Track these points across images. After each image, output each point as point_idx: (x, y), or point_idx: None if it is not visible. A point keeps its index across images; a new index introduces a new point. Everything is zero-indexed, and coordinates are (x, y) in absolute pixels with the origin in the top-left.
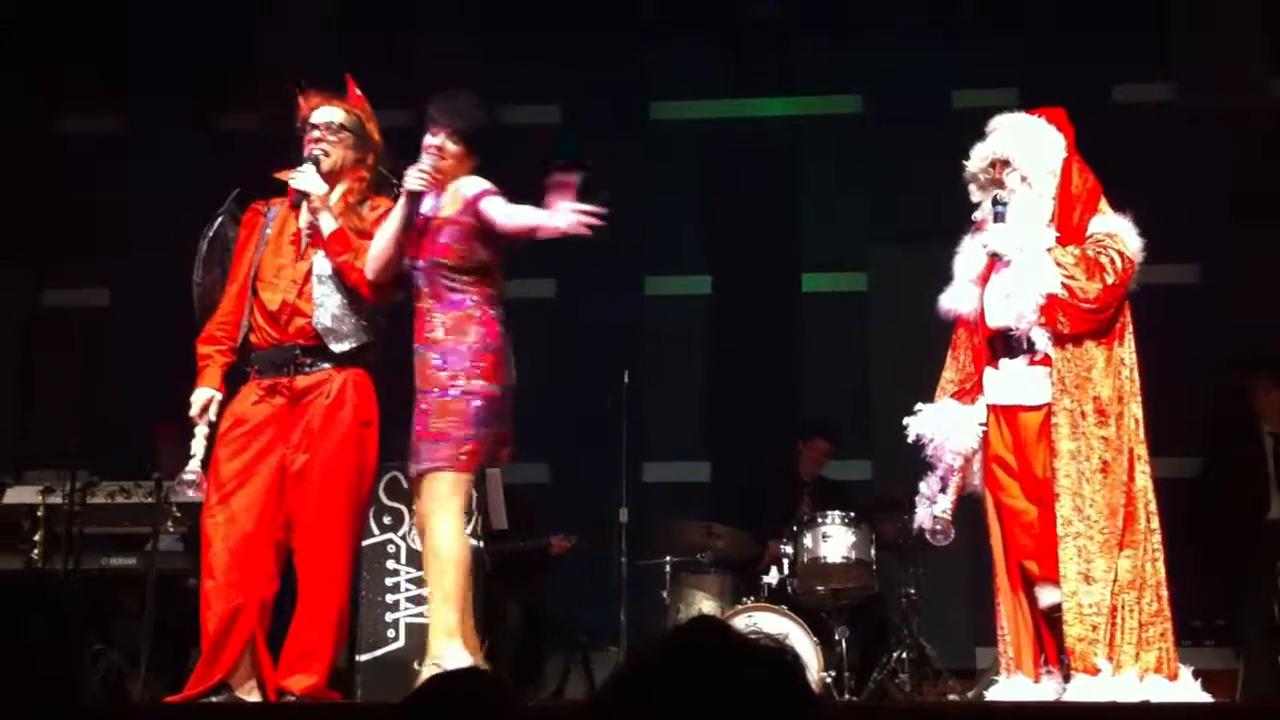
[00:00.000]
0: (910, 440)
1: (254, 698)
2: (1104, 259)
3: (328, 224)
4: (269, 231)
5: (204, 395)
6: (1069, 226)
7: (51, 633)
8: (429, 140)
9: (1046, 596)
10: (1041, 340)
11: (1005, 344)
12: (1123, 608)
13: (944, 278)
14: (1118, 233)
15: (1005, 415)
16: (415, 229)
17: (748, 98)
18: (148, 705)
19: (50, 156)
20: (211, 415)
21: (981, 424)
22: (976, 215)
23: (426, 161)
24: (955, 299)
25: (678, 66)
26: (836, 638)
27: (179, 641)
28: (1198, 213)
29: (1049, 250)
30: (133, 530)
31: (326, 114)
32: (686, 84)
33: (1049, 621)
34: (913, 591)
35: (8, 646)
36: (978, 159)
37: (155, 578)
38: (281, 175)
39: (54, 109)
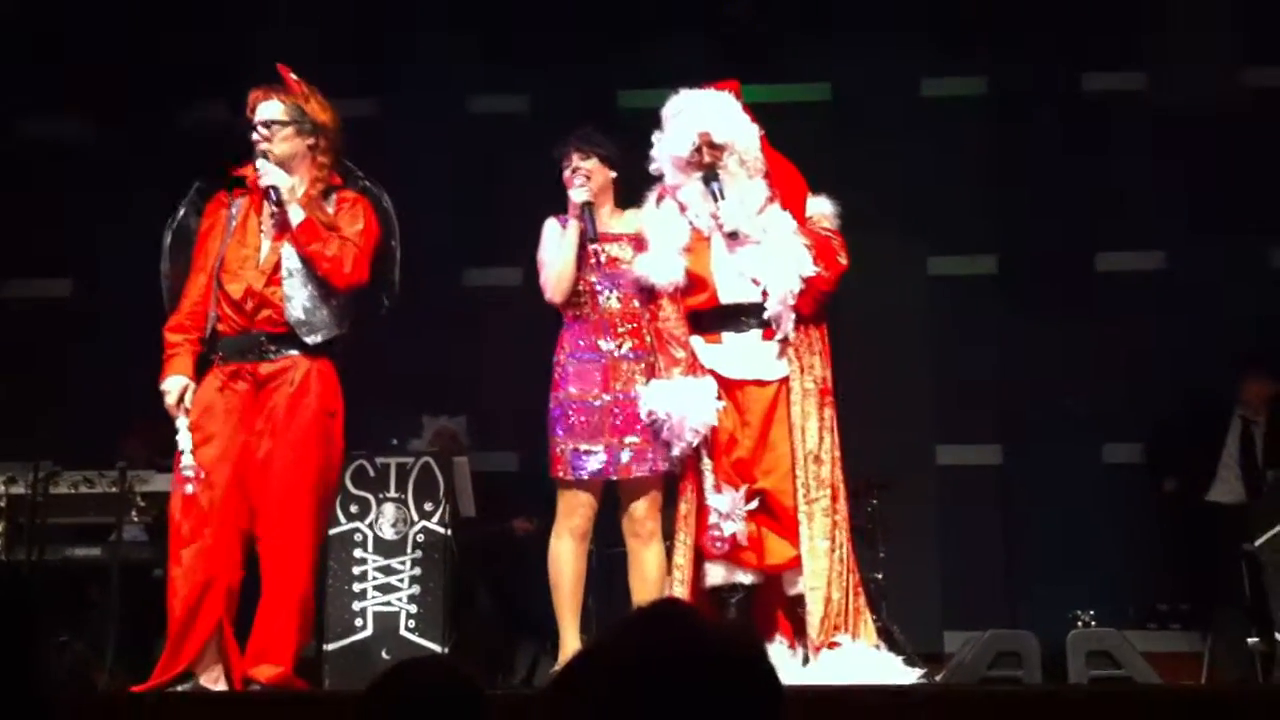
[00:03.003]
0: (645, 419)
1: (220, 686)
2: (834, 242)
3: (296, 215)
4: (234, 223)
5: (179, 383)
6: (793, 209)
7: (8, 621)
8: (572, 164)
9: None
10: (788, 320)
11: (728, 317)
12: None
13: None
14: (829, 213)
15: (734, 389)
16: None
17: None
18: (114, 695)
19: (11, 150)
20: (188, 403)
21: (719, 399)
22: (682, 195)
23: (580, 181)
24: (659, 269)
25: (647, 54)
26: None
27: (145, 632)
28: (1164, 200)
29: (795, 233)
30: (97, 520)
31: (264, 111)
32: (655, 72)
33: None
34: (879, 576)
35: None
36: (683, 141)
37: (120, 568)
38: (241, 172)
39: (16, 108)
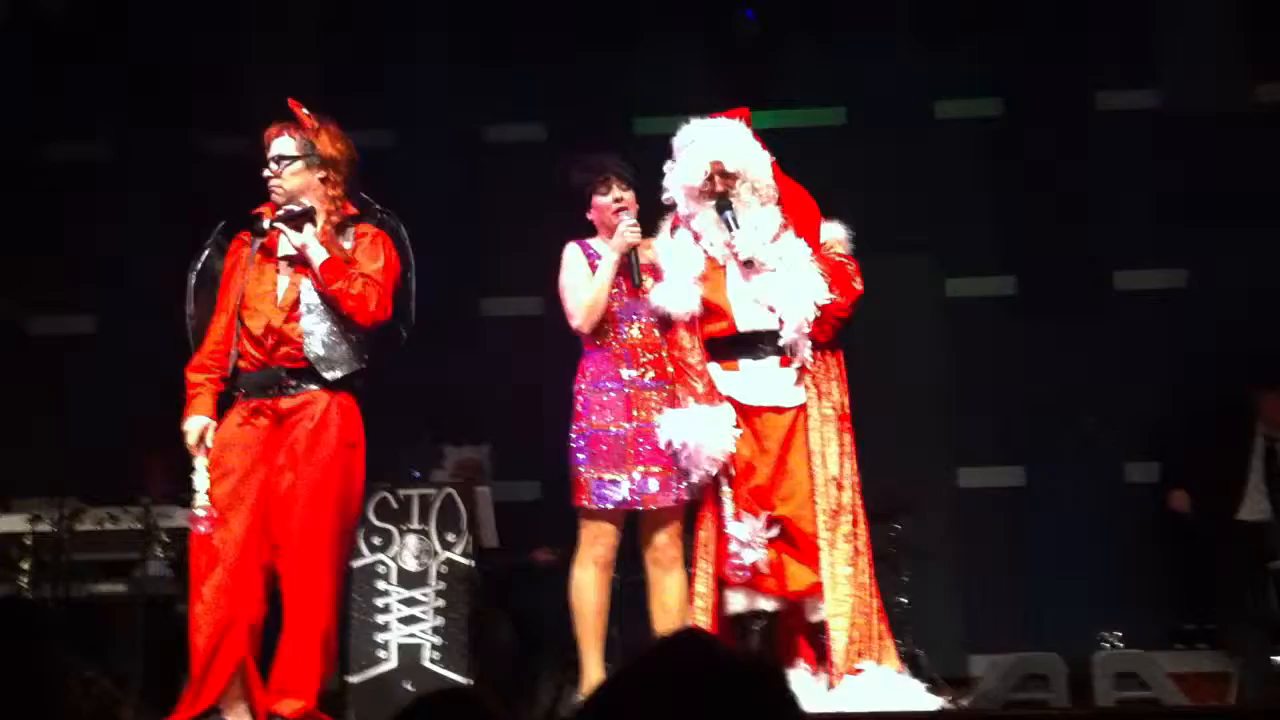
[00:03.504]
0: (663, 446)
1: None
2: (849, 268)
3: (318, 255)
4: (254, 259)
5: (199, 424)
6: (807, 236)
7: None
8: (615, 196)
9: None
10: (805, 348)
11: (745, 345)
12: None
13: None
14: (842, 238)
15: (751, 416)
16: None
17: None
18: None
19: (34, 184)
20: (208, 443)
21: (735, 426)
22: (696, 224)
23: (629, 218)
24: (675, 299)
25: (662, 80)
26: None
27: (170, 667)
28: (1184, 217)
29: (810, 260)
30: (121, 556)
31: (276, 147)
32: (671, 97)
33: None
34: (903, 600)
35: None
36: (696, 170)
37: (145, 603)
38: (259, 211)
39: (39, 136)
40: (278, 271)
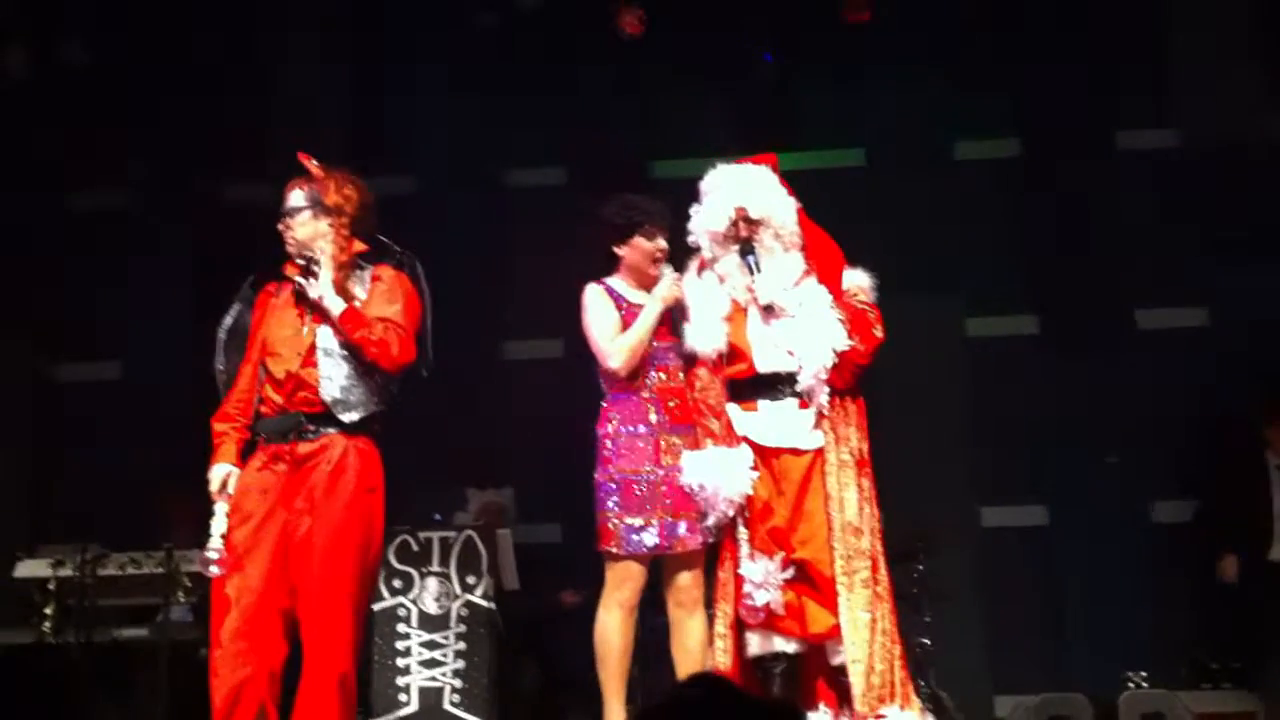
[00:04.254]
0: (682, 487)
1: None
2: (870, 315)
3: (336, 306)
4: (277, 312)
5: (222, 471)
6: (829, 282)
7: (59, 704)
8: (661, 245)
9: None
10: (822, 393)
11: (764, 386)
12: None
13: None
14: (865, 285)
15: (769, 457)
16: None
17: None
18: None
19: (59, 232)
20: (230, 490)
21: (752, 468)
22: (719, 267)
23: (670, 268)
24: (703, 338)
25: (681, 124)
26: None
27: (193, 712)
28: (1205, 256)
29: (831, 307)
30: (144, 601)
31: (289, 200)
32: (690, 142)
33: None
34: (927, 641)
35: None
36: (720, 216)
37: (168, 648)
38: (291, 273)
39: (62, 185)
40: (299, 317)
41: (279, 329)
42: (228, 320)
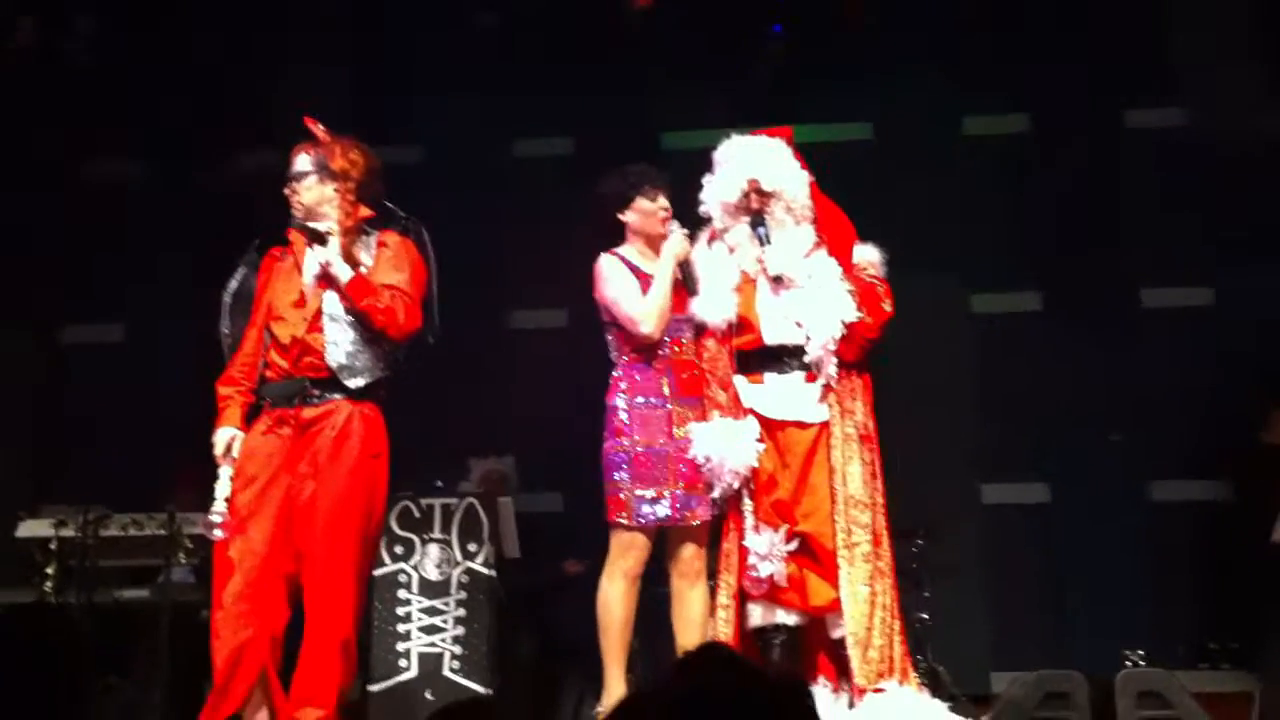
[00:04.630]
0: (693, 459)
1: None
2: (879, 289)
3: (344, 274)
4: (283, 276)
5: (226, 435)
6: (840, 256)
7: (59, 664)
8: (664, 204)
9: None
10: (830, 365)
11: (771, 359)
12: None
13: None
14: (875, 261)
15: (775, 429)
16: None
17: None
18: None
19: (62, 196)
20: (235, 453)
21: (759, 440)
22: (730, 238)
23: (678, 224)
24: (712, 308)
25: (690, 96)
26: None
27: (194, 673)
28: (1213, 235)
29: (840, 280)
30: (146, 562)
31: (295, 165)
32: (698, 114)
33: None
34: (926, 616)
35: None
36: (732, 187)
37: (169, 609)
38: (296, 237)
39: (71, 154)
40: (306, 282)
41: (284, 294)
42: (233, 284)
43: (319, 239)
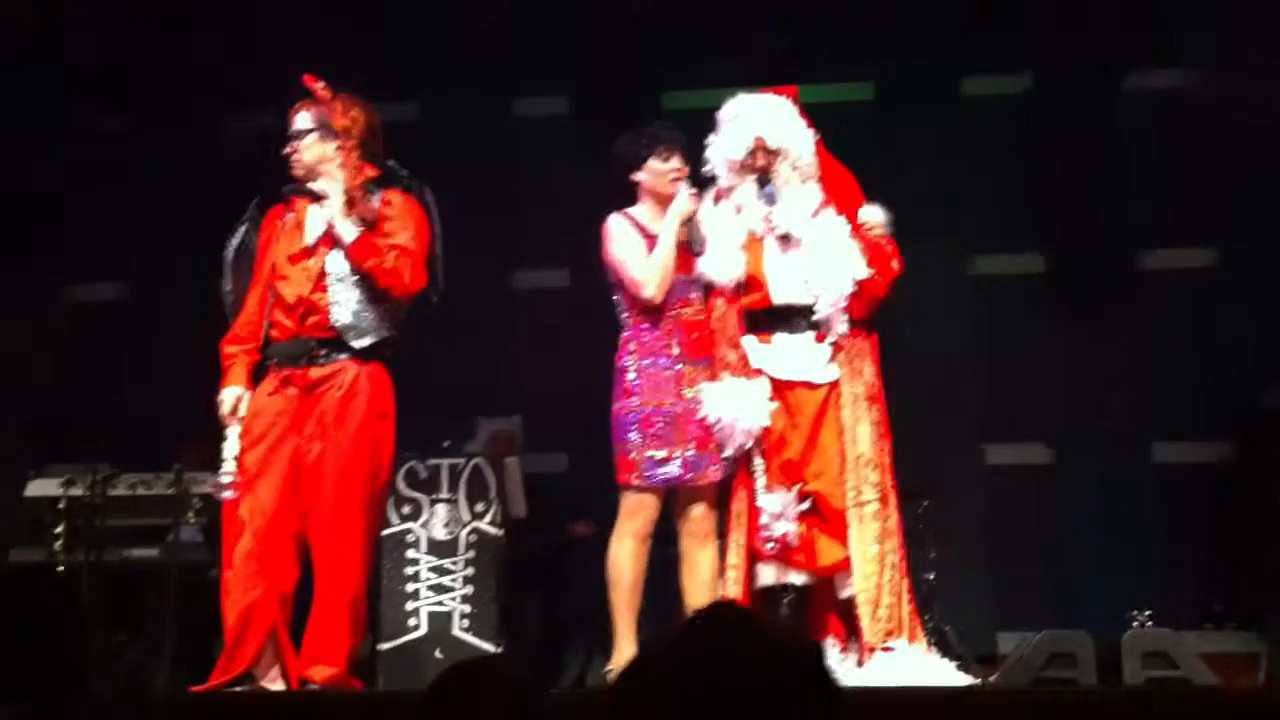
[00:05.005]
0: (703, 419)
1: (278, 687)
2: (887, 248)
3: (348, 233)
4: (288, 229)
5: (233, 394)
6: (847, 214)
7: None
8: (676, 165)
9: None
10: (840, 323)
11: (780, 318)
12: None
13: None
14: (881, 221)
15: (784, 389)
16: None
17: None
18: (172, 695)
19: (65, 153)
20: (241, 413)
21: (770, 400)
22: (736, 197)
23: (687, 184)
24: (720, 267)
25: (690, 56)
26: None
27: (203, 632)
28: (1215, 196)
29: (849, 238)
30: (154, 522)
31: (294, 123)
32: (699, 74)
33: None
34: (931, 577)
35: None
36: (738, 144)
37: (177, 569)
38: (288, 190)
39: (70, 105)
40: (309, 240)
41: (287, 253)
42: (234, 240)
43: (317, 199)
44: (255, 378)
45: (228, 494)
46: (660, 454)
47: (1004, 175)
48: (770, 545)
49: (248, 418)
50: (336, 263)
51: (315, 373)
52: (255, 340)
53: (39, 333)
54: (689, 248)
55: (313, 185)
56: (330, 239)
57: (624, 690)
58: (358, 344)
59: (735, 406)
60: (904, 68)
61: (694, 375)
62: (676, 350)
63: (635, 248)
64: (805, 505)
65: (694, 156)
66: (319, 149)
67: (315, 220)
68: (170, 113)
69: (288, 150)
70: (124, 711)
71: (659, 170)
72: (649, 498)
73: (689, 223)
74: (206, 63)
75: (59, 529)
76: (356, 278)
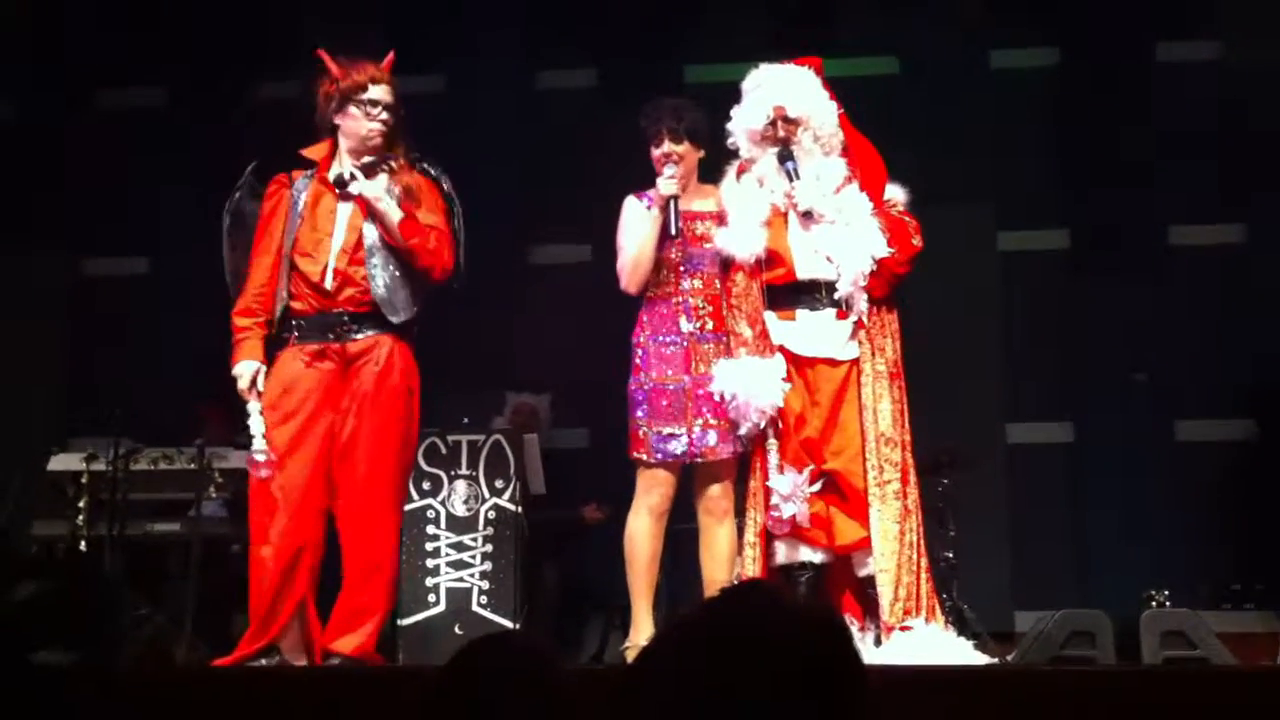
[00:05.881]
0: (715, 397)
1: (301, 661)
2: (909, 225)
3: (394, 213)
4: (301, 205)
5: (250, 368)
6: (871, 190)
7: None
8: (664, 150)
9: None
10: (861, 300)
11: (803, 294)
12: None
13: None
14: (900, 201)
15: (805, 367)
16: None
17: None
18: (193, 667)
19: (88, 127)
20: (259, 386)
21: (784, 378)
22: (758, 169)
23: (671, 169)
24: (740, 242)
25: (714, 28)
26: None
27: (223, 605)
28: (1243, 172)
29: (871, 214)
30: (176, 496)
31: (376, 92)
32: (723, 46)
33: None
34: (950, 555)
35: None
36: (759, 114)
37: (199, 542)
38: (309, 153)
39: (92, 81)
40: (334, 215)
41: (310, 229)
42: (230, 207)
43: (370, 171)
44: (268, 350)
45: (263, 473)
46: (667, 429)
47: (1029, 150)
48: (779, 526)
49: (276, 393)
50: (373, 237)
51: (353, 347)
52: (267, 313)
53: (62, 306)
54: (666, 230)
55: (372, 160)
56: (366, 212)
57: (645, 669)
58: (394, 319)
59: (750, 384)
60: (931, 41)
61: (703, 351)
62: (686, 326)
63: (629, 236)
64: (817, 486)
65: (717, 129)
66: (392, 122)
67: (347, 192)
68: (202, 83)
69: (382, 118)
70: (148, 678)
71: (654, 156)
72: (663, 473)
73: (666, 206)
74: (239, 34)
75: (82, 503)
76: (389, 254)
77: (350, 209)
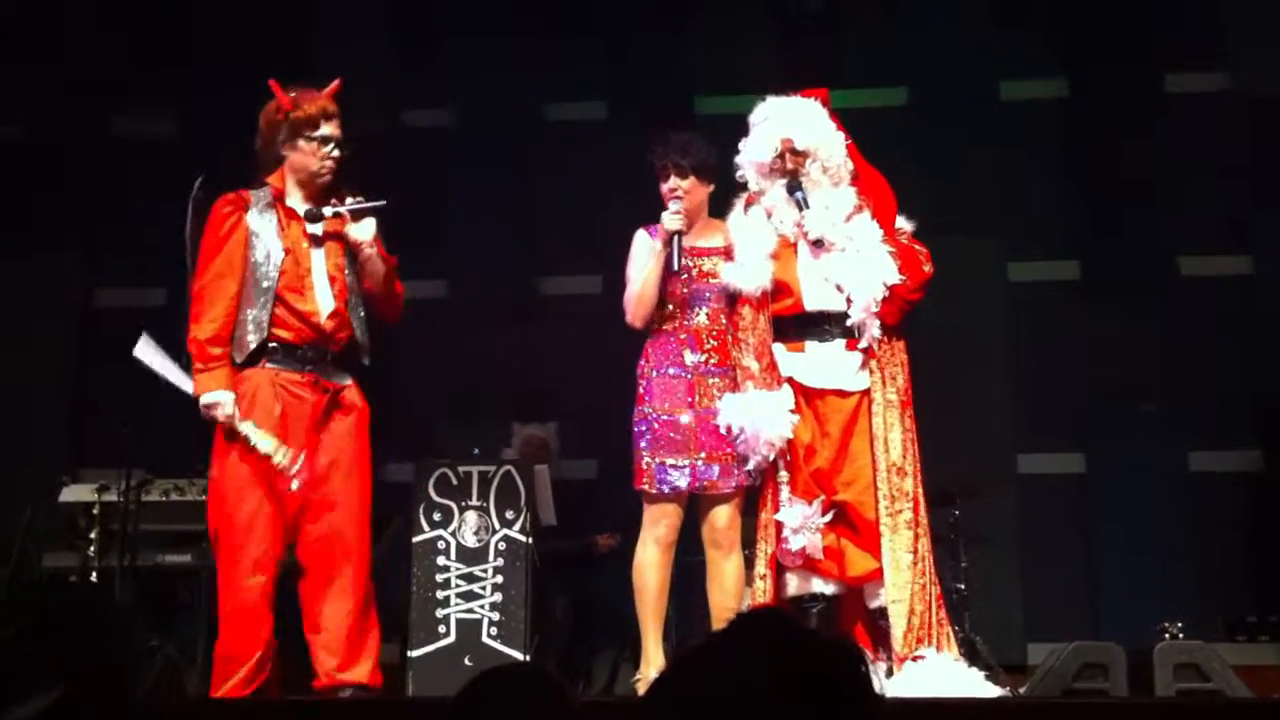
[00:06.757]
0: (721, 431)
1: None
2: (920, 253)
3: (382, 262)
4: (270, 233)
5: (230, 397)
6: (883, 220)
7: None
8: (668, 185)
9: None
10: (873, 327)
11: (812, 325)
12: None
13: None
14: (907, 231)
15: (814, 398)
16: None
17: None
18: (205, 699)
19: (105, 157)
20: (237, 415)
21: (792, 410)
22: (766, 201)
23: (675, 205)
24: (746, 275)
25: (724, 59)
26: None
27: None
28: (1252, 202)
29: (882, 242)
30: (187, 527)
31: (333, 128)
32: (733, 77)
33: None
34: (961, 586)
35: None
36: (766, 147)
37: (210, 573)
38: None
39: (109, 110)
40: (309, 253)
41: (294, 264)
42: (188, 228)
43: (363, 214)
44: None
45: (296, 484)
46: (669, 461)
47: (1039, 181)
48: (789, 559)
49: (249, 413)
50: (352, 277)
51: (333, 385)
52: (231, 340)
53: (74, 338)
54: (669, 265)
55: (359, 204)
56: (344, 251)
57: (657, 701)
58: (365, 361)
59: (757, 417)
60: (939, 72)
61: (707, 384)
62: (691, 359)
63: (635, 270)
64: (827, 518)
65: (726, 161)
66: (344, 158)
67: (318, 230)
68: (207, 108)
69: (335, 160)
70: (160, 710)
71: (663, 192)
72: (669, 505)
73: (669, 242)
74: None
75: (93, 534)
76: (360, 297)
77: (326, 246)
